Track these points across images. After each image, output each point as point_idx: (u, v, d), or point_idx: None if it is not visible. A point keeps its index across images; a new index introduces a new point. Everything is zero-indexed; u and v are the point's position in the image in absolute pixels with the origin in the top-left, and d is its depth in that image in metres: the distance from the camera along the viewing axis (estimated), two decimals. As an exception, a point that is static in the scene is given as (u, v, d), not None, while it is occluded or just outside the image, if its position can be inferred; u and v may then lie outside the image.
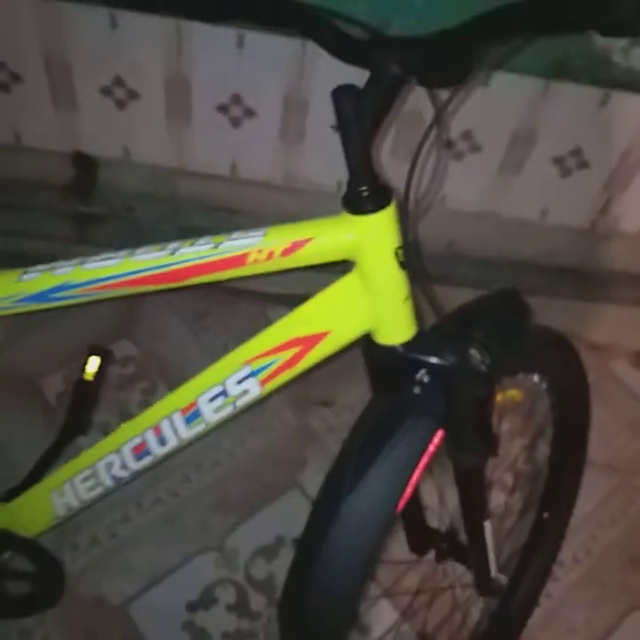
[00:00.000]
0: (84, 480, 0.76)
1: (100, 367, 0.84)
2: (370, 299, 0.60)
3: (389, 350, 0.63)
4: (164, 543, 1.18)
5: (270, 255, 0.58)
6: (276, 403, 1.34)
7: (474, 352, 0.63)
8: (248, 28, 1.04)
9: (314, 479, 1.24)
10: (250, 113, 1.19)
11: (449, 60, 0.52)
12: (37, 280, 0.60)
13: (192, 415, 0.69)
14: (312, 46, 0.72)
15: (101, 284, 0.60)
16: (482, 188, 1.27)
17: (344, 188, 0.57)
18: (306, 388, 1.35)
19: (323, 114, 1.12)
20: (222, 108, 1.18)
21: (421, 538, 0.91)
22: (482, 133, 1.19)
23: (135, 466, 0.73)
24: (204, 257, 0.59)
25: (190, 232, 0.67)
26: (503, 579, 0.93)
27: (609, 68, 1.05)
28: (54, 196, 1.29)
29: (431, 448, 0.68)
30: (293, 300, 0.65)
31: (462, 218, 1.31)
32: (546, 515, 1.07)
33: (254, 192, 1.29)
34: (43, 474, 0.83)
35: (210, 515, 1.22)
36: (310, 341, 0.64)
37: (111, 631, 1.09)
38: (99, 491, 0.76)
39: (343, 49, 0.55)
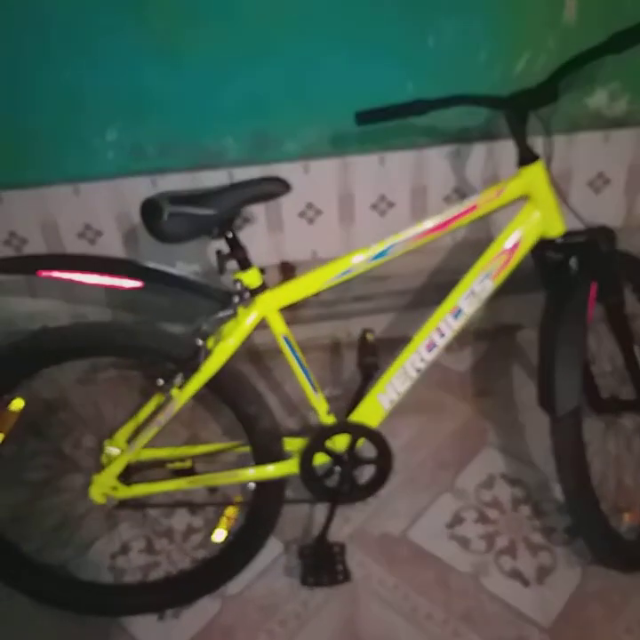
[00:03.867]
0: (398, 378, 1.30)
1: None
2: (542, 213, 1.20)
3: (555, 241, 1.22)
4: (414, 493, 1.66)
5: (489, 199, 1.19)
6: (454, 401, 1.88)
7: (600, 237, 1.22)
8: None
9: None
10: (391, 205, 1.87)
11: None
12: (379, 245, 1.22)
13: (457, 312, 1.26)
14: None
15: (407, 240, 1.21)
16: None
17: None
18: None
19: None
20: (373, 206, 1.87)
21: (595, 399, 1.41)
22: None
23: (428, 357, 1.28)
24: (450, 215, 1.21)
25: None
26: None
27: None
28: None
29: (593, 293, 1.23)
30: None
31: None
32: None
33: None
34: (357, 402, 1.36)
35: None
36: (513, 248, 1.23)
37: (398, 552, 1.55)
38: (408, 383, 1.30)
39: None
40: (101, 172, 1.75)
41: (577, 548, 1.51)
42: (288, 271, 1.96)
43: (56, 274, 1.14)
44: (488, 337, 2.17)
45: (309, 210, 1.87)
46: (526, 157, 1.20)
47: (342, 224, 1.90)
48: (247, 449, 1.35)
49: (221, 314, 1.24)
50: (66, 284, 1.82)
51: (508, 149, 1.77)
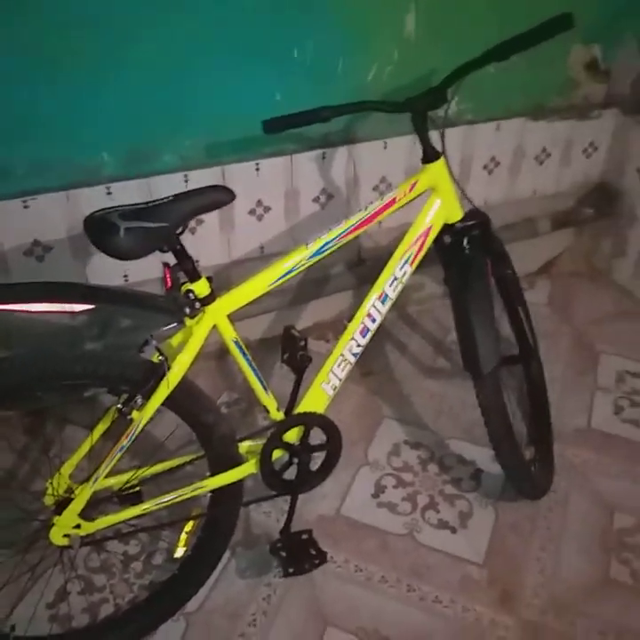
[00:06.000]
0: (339, 365, 1.40)
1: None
2: (444, 202, 1.39)
3: (455, 226, 1.41)
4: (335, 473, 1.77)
5: (404, 193, 1.34)
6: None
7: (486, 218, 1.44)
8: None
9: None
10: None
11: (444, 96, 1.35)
12: (316, 243, 1.30)
13: (383, 298, 1.40)
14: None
15: (339, 236, 1.32)
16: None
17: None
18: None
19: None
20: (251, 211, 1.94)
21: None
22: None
23: (363, 341, 1.41)
24: (373, 210, 1.34)
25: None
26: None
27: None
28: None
29: (489, 269, 1.45)
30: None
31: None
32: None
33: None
34: (297, 395, 1.43)
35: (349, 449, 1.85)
36: (424, 235, 1.39)
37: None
38: (348, 368, 1.41)
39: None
40: (-39, 199, 1.59)
41: (484, 490, 1.75)
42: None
43: None
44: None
45: (192, 221, 1.87)
46: (430, 154, 1.37)
47: (223, 232, 1.94)
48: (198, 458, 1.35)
49: (169, 327, 1.24)
50: None
51: (365, 151, 1.99)
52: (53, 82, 1.55)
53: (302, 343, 1.44)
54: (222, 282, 1.56)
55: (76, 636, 1.40)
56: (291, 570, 1.34)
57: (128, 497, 1.35)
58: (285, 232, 2.06)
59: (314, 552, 1.37)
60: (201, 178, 1.82)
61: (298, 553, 1.37)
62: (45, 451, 1.29)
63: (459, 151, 2.15)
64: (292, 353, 1.46)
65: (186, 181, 1.81)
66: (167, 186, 1.79)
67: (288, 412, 1.42)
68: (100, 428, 1.30)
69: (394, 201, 1.35)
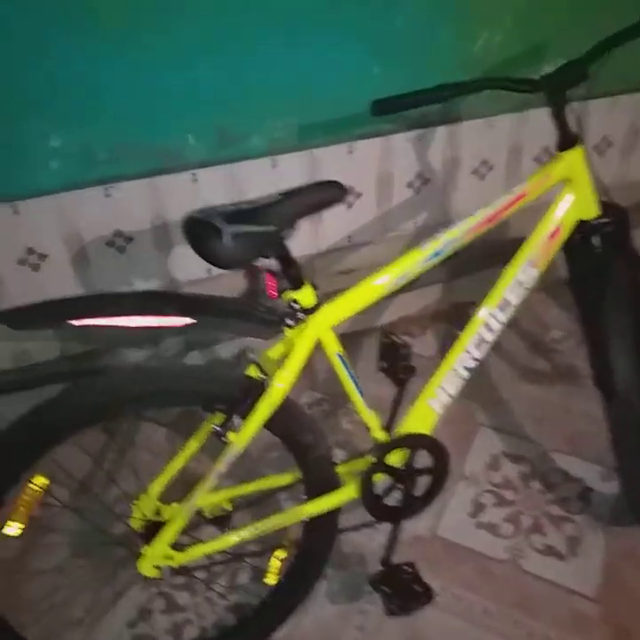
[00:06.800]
0: (449, 380, 1.25)
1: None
2: (579, 196, 1.20)
3: (590, 223, 1.22)
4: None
5: (536, 185, 1.17)
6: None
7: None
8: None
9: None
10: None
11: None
12: (432, 244, 1.15)
13: (503, 305, 1.23)
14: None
15: (460, 235, 1.15)
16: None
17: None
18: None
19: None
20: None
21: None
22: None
23: (479, 354, 1.25)
24: (500, 205, 1.17)
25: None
26: None
27: None
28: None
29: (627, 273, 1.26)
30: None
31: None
32: None
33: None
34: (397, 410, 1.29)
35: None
36: (554, 234, 1.21)
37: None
38: (460, 383, 1.26)
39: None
40: (44, 186, 1.49)
41: (594, 512, 1.58)
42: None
43: (92, 320, 0.94)
44: (445, 318, 2.19)
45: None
46: (568, 140, 1.18)
47: (310, 221, 1.79)
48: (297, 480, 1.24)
49: (268, 340, 1.11)
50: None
51: (467, 130, 1.81)
52: (137, 60, 1.42)
53: (405, 352, 1.30)
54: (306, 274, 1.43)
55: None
56: (395, 608, 1.22)
57: (218, 519, 1.25)
58: (375, 220, 1.90)
59: (418, 588, 1.24)
60: (290, 162, 1.68)
61: (401, 588, 1.24)
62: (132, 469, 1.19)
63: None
64: (393, 362, 1.32)
65: (274, 166, 1.67)
66: (254, 171, 1.65)
67: (388, 428, 1.29)
68: (192, 446, 1.19)
69: (523, 194, 1.17)
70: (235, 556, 1.33)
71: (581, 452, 1.72)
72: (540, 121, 1.85)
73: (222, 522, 1.25)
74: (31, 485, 1.04)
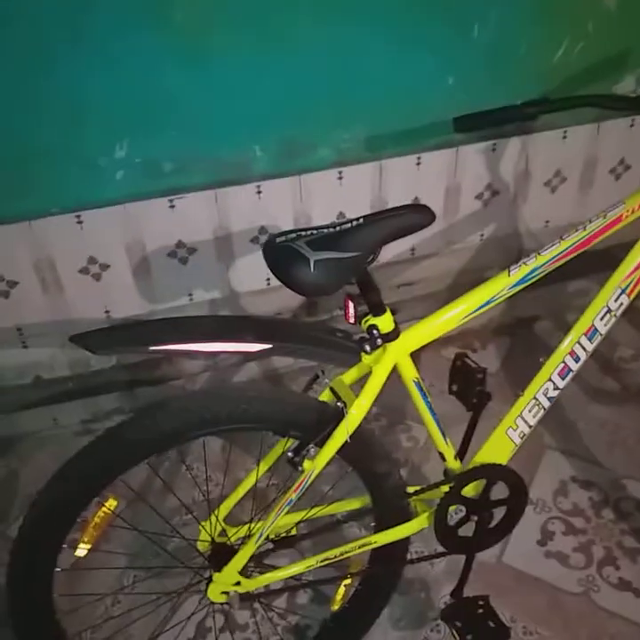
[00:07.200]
0: (530, 410, 1.19)
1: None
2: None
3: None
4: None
5: (633, 209, 1.10)
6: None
7: None
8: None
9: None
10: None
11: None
12: (521, 269, 1.09)
13: (592, 333, 1.16)
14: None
15: (551, 261, 1.09)
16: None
17: None
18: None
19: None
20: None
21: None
22: None
23: (562, 384, 1.19)
24: (601, 225, 1.09)
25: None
26: None
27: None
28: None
29: None
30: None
31: None
32: None
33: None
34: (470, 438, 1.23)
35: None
36: (648, 259, 1.14)
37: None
38: (541, 413, 1.20)
39: None
40: (109, 197, 1.48)
41: (670, 546, 1.51)
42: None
43: (170, 346, 0.92)
44: (507, 331, 2.12)
45: (340, 218, 1.70)
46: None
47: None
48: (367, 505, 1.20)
49: (343, 366, 1.07)
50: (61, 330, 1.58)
51: (541, 141, 1.73)
52: (207, 70, 1.39)
53: (480, 376, 1.24)
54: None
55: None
56: (469, 646, 1.17)
57: (283, 540, 1.21)
58: (440, 232, 1.84)
59: (492, 624, 1.19)
60: (356, 174, 1.63)
61: (474, 623, 1.19)
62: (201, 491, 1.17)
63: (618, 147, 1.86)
64: (467, 386, 1.26)
65: (340, 178, 1.63)
66: (320, 183, 1.62)
67: (460, 456, 1.23)
68: (262, 468, 1.16)
69: (620, 219, 1.10)
70: (306, 585, 1.29)
71: (656, 479, 1.65)
72: (615, 132, 1.80)
73: (288, 542, 1.21)
74: (102, 507, 1.02)
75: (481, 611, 1.20)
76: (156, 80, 1.37)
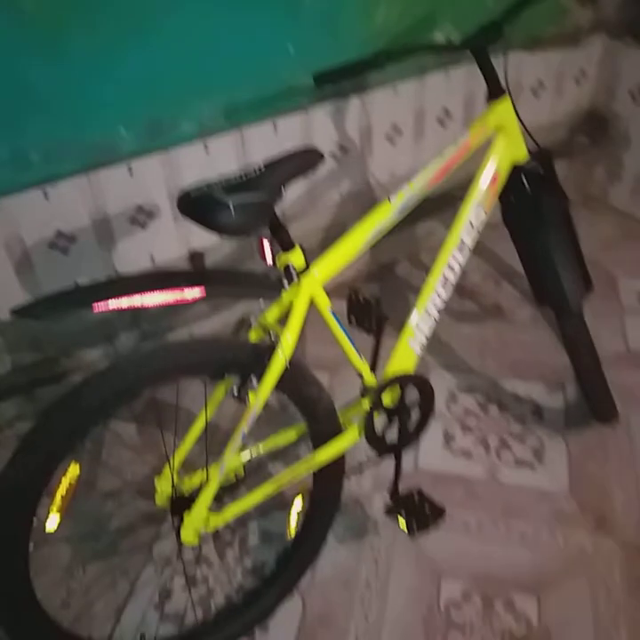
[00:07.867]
0: (423, 320, 1.37)
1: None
2: (510, 141, 1.35)
3: (523, 165, 1.38)
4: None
5: (478, 134, 1.30)
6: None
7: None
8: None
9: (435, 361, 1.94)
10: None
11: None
12: (399, 196, 1.24)
13: (461, 246, 1.36)
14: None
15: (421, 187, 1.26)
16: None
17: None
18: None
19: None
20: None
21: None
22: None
23: (445, 293, 1.37)
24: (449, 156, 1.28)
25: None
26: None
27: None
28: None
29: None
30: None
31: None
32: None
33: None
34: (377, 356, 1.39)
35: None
36: (494, 177, 1.36)
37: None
38: (432, 323, 1.38)
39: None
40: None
41: (549, 424, 1.78)
42: (197, 260, 1.83)
43: (114, 303, 0.96)
44: (375, 278, 2.32)
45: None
46: (495, 92, 1.33)
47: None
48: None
49: (266, 303, 1.17)
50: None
51: (377, 98, 1.93)
52: (60, 56, 1.40)
53: (376, 301, 1.40)
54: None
55: (193, 634, 1.35)
56: (413, 528, 1.33)
57: (232, 486, 1.30)
58: (303, 191, 1.98)
59: (430, 506, 1.36)
60: (221, 144, 1.72)
61: (415, 510, 1.36)
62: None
63: (462, 91, 2.12)
64: (363, 314, 1.41)
65: (206, 148, 1.70)
66: (188, 156, 1.68)
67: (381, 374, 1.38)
68: (206, 416, 1.22)
69: (467, 145, 1.30)
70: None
71: (524, 375, 1.92)
72: (435, 84, 2.04)
73: (237, 488, 1.29)
74: (67, 474, 1.04)
75: (417, 499, 1.36)
76: (11, 70, 1.35)
